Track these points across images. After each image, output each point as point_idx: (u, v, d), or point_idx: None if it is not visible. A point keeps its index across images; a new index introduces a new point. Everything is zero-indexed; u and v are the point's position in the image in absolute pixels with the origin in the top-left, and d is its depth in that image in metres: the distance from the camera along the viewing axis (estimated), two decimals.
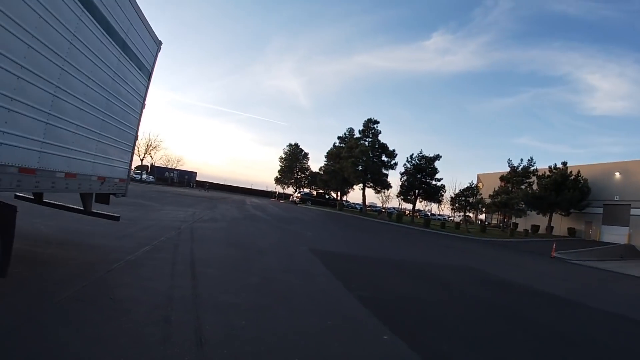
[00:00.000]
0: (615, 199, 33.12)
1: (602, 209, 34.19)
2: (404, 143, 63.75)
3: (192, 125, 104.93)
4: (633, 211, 31.37)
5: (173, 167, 56.94)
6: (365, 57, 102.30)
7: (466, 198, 33.35)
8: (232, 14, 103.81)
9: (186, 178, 57.56)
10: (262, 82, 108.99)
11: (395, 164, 37.26)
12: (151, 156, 50.34)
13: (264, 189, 63.13)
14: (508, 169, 37.04)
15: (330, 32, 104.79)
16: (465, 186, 34.11)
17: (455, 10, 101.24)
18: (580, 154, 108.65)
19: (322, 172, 43.77)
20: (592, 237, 34.37)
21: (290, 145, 56.14)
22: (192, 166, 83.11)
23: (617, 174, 33.27)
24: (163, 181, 51.97)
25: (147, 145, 49.27)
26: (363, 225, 24.14)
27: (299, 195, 46.82)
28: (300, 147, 56.34)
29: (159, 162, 54.33)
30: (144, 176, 48.10)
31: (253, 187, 65.89)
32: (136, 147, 6.33)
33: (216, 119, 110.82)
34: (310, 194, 45.55)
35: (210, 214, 15.79)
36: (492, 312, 6.19)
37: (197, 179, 61.07)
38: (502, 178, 37.07)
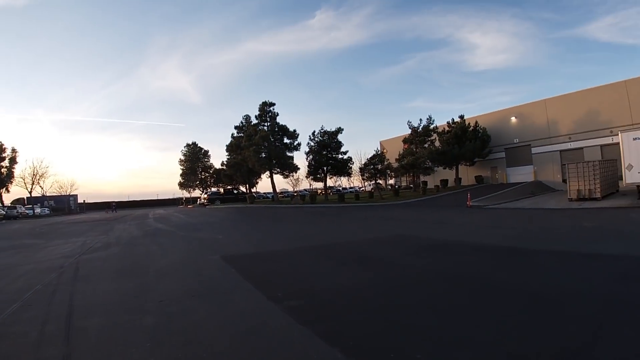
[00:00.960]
0: (515, 141, 36.20)
1: (504, 153, 37.33)
2: (305, 124, 67.72)
3: (84, 143, 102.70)
4: (534, 150, 34.69)
5: (67, 194, 54.15)
6: (253, 43, 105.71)
7: (374, 166, 34.56)
8: (104, 20, 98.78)
9: (68, 202, 54.29)
10: (150, 85, 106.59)
11: (299, 144, 38.58)
12: (41, 186, 48.25)
13: (172, 197, 63.44)
14: (409, 131, 38.90)
15: (212, 23, 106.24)
16: (372, 154, 35.43)
17: None
18: (472, 108, 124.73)
19: (225, 167, 44.12)
20: (499, 180, 37.50)
21: (188, 145, 56.75)
22: (90, 187, 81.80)
23: (513, 119, 36.17)
24: (59, 211, 49.89)
25: (33, 174, 46.90)
26: (277, 214, 24.26)
27: (205, 196, 46.93)
28: (199, 145, 56.84)
29: (51, 191, 51.37)
30: (38, 210, 46.00)
31: (159, 198, 66.43)
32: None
33: (108, 132, 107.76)
34: (217, 193, 46.09)
35: (104, 239, 14.51)
36: (453, 283, 5.67)
37: (94, 200, 60.12)
38: (405, 140, 39.09)
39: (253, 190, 50.14)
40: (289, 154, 38.74)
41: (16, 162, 46.42)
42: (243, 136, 39.54)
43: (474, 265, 6.91)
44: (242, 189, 46.98)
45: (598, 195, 20.25)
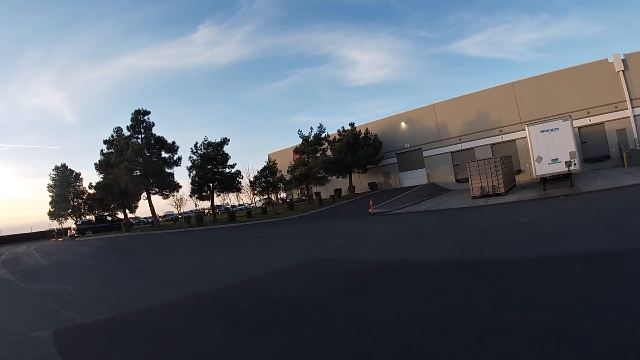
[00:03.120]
0: (406, 146, 36.83)
1: (395, 158, 37.81)
2: (187, 140, 65.92)
3: None
4: (425, 153, 35.62)
5: None
6: (132, 58, 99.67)
7: (266, 178, 32.20)
8: None
9: None
10: (20, 103, 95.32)
11: (179, 159, 34.54)
12: None
13: (47, 228, 54.82)
14: (298, 143, 37.61)
15: (90, 36, 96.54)
16: (262, 167, 32.96)
17: (221, 1, 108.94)
18: (354, 120, 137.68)
19: (94, 190, 38.11)
20: (392, 185, 37.83)
21: (56, 168, 50.18)
22: None
23: (403, 124, 36.73)
24: None
25: None
26: (156, 244, 20.42)
27: (75, 226, 40.90)
28: (70, 167, 50.68)
29: None
30: None
31: (33, 231, 57.19)
32: None
33: None
34: (88, 221, 39.85)
35: None
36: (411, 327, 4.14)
37: None
38: (296, 150, 37.52)
39: (132, 215, 44.65)
40: (168, 170, 34.46)
41: None
42: (113, 152, 34.25)
43: (454, 302, 4.78)
44: (121, 214, 40.78)
45: (502, 190, 20.15)
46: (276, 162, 34.19)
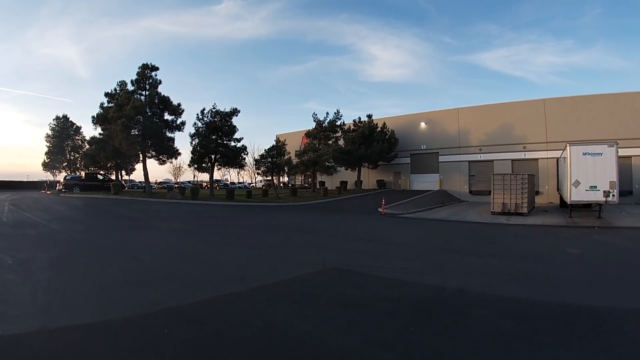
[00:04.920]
0: (422, 148, 36.29)
1: (409, 158, 37.31)
2: (193, 110, 67.18)
3: None
4: (442, 158, 34.96)
5: None
6: (152, 20, 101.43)
7: (273, 159, 31.37)
8: None
9: None
10: (35, 51, 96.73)
11: (183, 123, 33.02)
12: None
13: (44, 178, 54.52)
14: (308, 128, 37.25)
15: None
16: (270, 146, 32.10)
17: None
18: (364, 115, 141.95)
19: (89, 145, 36.35)
20: (402, 186, 37.44)
21: (57, 118, 50.39)
22: None
23: (423, 124, 36.13)
24: None
25: None
26: (140, 215, 19.10)
27: (62, 181, 39.61)
28: (71, 119, 51.08)
29: None
30: None
31: (30, 180, 58.11)
32: None
33: None
34: (77, 177, 38.78)
35: None
36: None
37: None
38: (308, 134, 36.82)
39: (127, 178, 44.21)
40: (169, 134, 33.07)
41: None
42: (113, 106, 32.45)
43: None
44: (117, 176, 39.38)
45: (525, 210, 19.38)
46: (286, 142, 33.22)
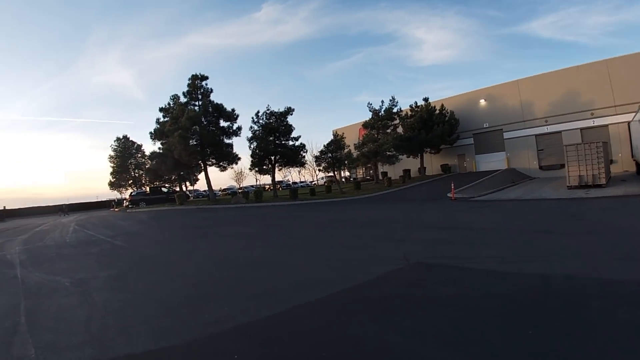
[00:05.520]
0: (485, 126, 35.32)
1: (472, 139, 36.39)
2: (248, 118, 71.29)
3: (21, 144, 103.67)
4: (506, 135, 33.86)
5: None
6: (196, 36, 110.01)
7: (333, 154, 31.48)
8: (38, 13, 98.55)
9: None
10: (89, 80, 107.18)
11: (239, 128, 34.31)
12: None
13: (111, 197, 60.42)
14: (362, 120, 37.21)
15: (155, 15, 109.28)
16: (329, 141, 32.26)
17: None
18: (418, 100, 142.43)
19: (150, 160, 39.57)
20: (468, 169, 36.62)
21: (118, 139, 54.02)
22: (33, 190, 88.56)
23: (482, 101, 35.19)
24: None
25: None
26: (206, 222, 19.42)
27: (129, 197, 42.21)
28: (131, 139, 54.61)
29: None
30: None
31: (99, 200, 64.39)
32: None
33: (46, 131, 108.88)
34: (143, 192, 41.37)
35: None
36: None
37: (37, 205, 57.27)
38: (365, 125, 36.80)
39: (191, 188, 46.73)
40: (226, 140, 34.25)
41: None
42: (168, 120, 34.15)
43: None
44: (183, 187, 41.69)
45: (603, 181, 18.89)
46: (344, 135, 33.51)
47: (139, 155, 53.90)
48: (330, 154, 31.49)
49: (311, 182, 58.47)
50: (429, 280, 5.90)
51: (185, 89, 33.92)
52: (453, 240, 9.07)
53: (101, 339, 4.41)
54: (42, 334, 4.69)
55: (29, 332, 4.77)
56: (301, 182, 62.93)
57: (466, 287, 5.32)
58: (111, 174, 53.44)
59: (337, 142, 31.78)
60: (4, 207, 53.41)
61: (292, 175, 65.27)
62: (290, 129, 32.47)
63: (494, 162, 35.01)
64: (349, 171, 44.78)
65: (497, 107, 34.82)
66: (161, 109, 35.92)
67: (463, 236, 9.51)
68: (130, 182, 53.97)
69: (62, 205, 52.60)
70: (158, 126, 35.68)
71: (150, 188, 42.25)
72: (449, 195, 21.66)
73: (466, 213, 15.02)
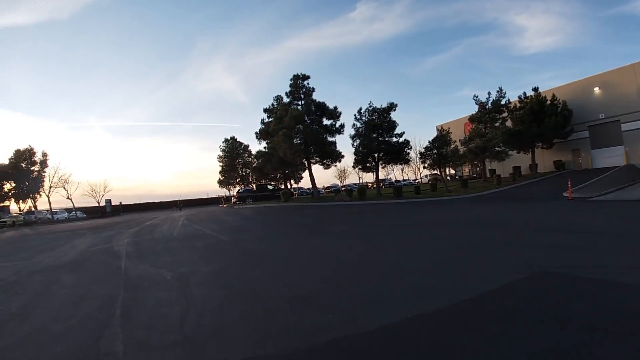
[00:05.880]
0: (600, 117, 33.30)
1: (587, 132, 34.50)
2: (349, 118, 74.52)
3: (137, 147, 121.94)
4: (624, 126, 31.50)
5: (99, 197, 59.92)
6: (294, 41, 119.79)
7: (439, 150, 30.97)
8: (147, 28, 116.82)
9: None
10: (197, 87, 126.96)
11: (342, 126, 35.42)
12: (66, 189, 52.18)
13: (220, 194, 69.71)
14: (466, 115, 36.80)
15: (254, 23, 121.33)
16: (434, 136, 32.26)
17: None
18: (525, 92, 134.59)
19: (255, 159, 43.05)
20: (583, 165, 34.80)
21: (226, 140, 59.97)
22: (145, 188, 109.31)
23: (597, 89, 33.23)
24: (94, 214, 55.68)
25: (55, 178, 50.49)
26: (310, 219, 19.79)
27: (236, 194, 45.50)
28: (238, 140, 60.36)
29: (77, 196, 55.95)
30: (65, 214, 51.28)
31: (209, 197, 74.53)
32: None
33: (159, 136, 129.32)
34: (249, 190, 43.76)
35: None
36: None
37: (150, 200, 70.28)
38: (472, 119, 36.31)
39: (295, 185, 50.52)
40: (330, 138, 35.54)
41: (46, 166, 50.95)
42: (272, 120, 36.64)
43: None
44: (287, 184, 46.29)
45: None
46: (450, 130, 32.95)
47: (246, 154, 58.94)
48: (435, 150, 31.22)
49: (414, 180, 59.38)
50: (557, 294, 5.11)
51: (288, 89, 36.14)
52: (577, 245, 8.19)
53: (194, 340, 4.24)
54: (134, 329, 4.68)
55: (121, 326, 4.81)
56: (404, 180, 63.46)
57: (602, 305, 4.51)
58: (220, 172, 59.45)
59: (442, 138, 31.54)
60: (120, 202, 61.83)
61: (394, 173, 66.47)
62: (393, 125, 32.75)
63: (611, 157, 32.85)
64: (455, 169, 44.46)
65: (612, 95, 32.64)
66: (265, 110, 38.60)
67: (588, 241, 8.60)
68: (238, 180, 59.12)
69: (177, 201, 61.12)
70: (263, 126, 38.42)
71: (256, 185, 44.59)
72: (564, 194, 20.86)
73: (586, 215, 13.88)
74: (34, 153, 50.28)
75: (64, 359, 3.90)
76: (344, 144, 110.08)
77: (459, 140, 35.95)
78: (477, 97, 35.57)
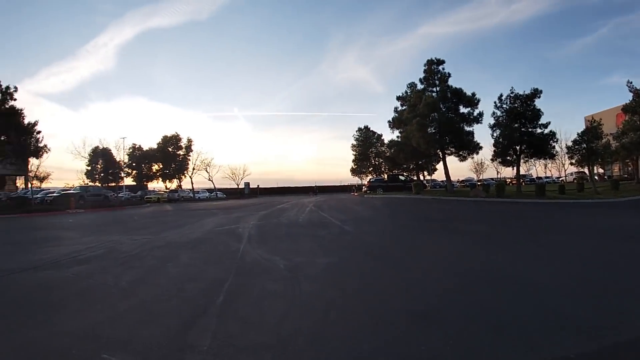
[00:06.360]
0: None
1: None
2: (487, 107, 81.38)
3: (275, 135, 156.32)
4: None
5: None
6: (427, 27, 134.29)
7: (589, 144, 32.44)
8: (283, 23, 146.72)
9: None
10: (333, 78, 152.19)
11: (480, 115, 38.50)
12: (208, 172, 72.46)
13: (352, 182, 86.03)
14: (624, 102, 37.01)
15: (386, 12, 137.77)
16: (582, 129, 32.97)
17: None
18: None
19: (388, 149, 49.98)
20: None
21: (359, 129, 73.75)
22: (283, 174, 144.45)
23: None
24: (234, 194, 76.81)
25: (198, 162, 69.88)
26: (438, 215, 21.62)
27: (367, 183, 53.28)
28: (372, 129, 72.22)
29: (218, 178, 76.27)
30: (206, 194, 73.11)
31: (341, 184, 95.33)
32: None
33: (296, 125, 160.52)
34: (380, 179, 51.47)
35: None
36: None
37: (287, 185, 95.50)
38: (626, 109, 36.58)
39: (428, 177, 58.22)
40: (466, 127, 38.94)
41: (191, 150, 69.97)
42: (406, 108, 41.39)
43: None
44: (420, 176, 54.09)
45: None
46: (601, 122, 33.93)
47: (379, 144, 70.77)
48: (584, 145, 32.75)
49: (558, 177, 62.99)
50: None
51: (422, 76, 40.76)
52: None
53: (287, 346, 4.57)
54: (229, 321, 5.42)
55: (217, 315, 5.64)
56: (546, 177, 67.24)
57: None
58: (353, 161, 72.49)
59: (593, 130, 32.51)
60: (258, 185, 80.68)
61: (536, 168, 69.77)
62: (537, 114, 34.78)
63: None
64: (604, 167, 45.27)
65: None
66: (398, 98, 44.59)
67: None
68: (370, 169, 71.32)
69: (313, 187, 78.48)
70: (396, 115, 44.52)
71: (388, 175, 53.38)
72: None
73: None
74: (180, 139, 69.15)
75: (146, 344, 4.67)
76: (482, 134, 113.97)
77: (610, 134, 35.98)
78: (632, 83, 35.84)
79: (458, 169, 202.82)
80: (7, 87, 35.99)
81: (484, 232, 14.60)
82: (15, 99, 36.27)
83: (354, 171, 74.87)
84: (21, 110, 36.87)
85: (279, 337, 4.93)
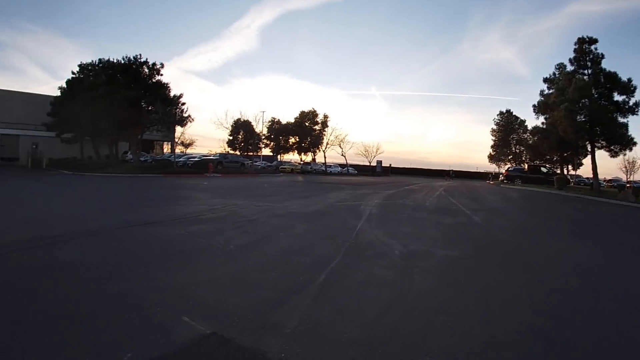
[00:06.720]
0: None
1: None
2: None
3: (411, 115, 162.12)
4: None
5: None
6: (577, 5, 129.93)
7: None
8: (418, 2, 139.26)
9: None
10: (473, 59, 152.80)
11: (636, 104, 35.80)
12: (341, 147, 76.31)
13: (489, 170, 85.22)
14: None
15: None
16: None
17: None
18: None
19: (531, 136, 47.94)
20: None
21: (501, 113, 73.01)
22: (417, 154, 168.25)
23: None
24: (365, 171, 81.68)
25: (334, 138, 73.84)
26: (580, 217, 20.01)
27: (505, 172, 52.34)
28: (515, 114, 70.51)
29: (351, 154, 78.67)
30: (338, 169, 79.11)
31: (478, 171, 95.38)
32: None
33: (433, 106, 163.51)
34: (520, 169, 50.22)
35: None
36: None
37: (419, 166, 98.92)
38: None
39: (572, 172, 55.40)
40: (620, 119, 36.31)
41: (326, 126, 74.62)
42: (553, 92, 39.31)
43: None
44: (565, 170, 51.04)
45: None
46: None
47: (521, 130, 69.11)
48: None
49: None
50: None
51: (572, 56, 38.89)
52: None
53: (377, 348, 4.43)
54: (323, 306, 5.51)
55: (313, 297, 5.79)
56: None
57: None
58: (492, 147, 72.17)
59: None
60: (390, 164, 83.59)
61: None
62: None
63: None
64: None
65: None
66: (545, 80, 42.82)
67: None
68: (510, 157, 70.03)
69: (449, 170, 78.77)
70: (542, 98, 42.96)
71: (528, 166, 51.81)
72: None
73: None
74: (317, 115, 73.51)
75: (229, 314, 4.87)
76: (637, 128, 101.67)
77: None
78: None
79: (604, 166, 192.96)
80: (154, 64, 43.28)
81: (634, 245, 12.99)
82: (162, 74, 43.42)
83: (491, 158, 74.77)
84: (167, 84, 43.54)
85: (371, 335, 4.69)
